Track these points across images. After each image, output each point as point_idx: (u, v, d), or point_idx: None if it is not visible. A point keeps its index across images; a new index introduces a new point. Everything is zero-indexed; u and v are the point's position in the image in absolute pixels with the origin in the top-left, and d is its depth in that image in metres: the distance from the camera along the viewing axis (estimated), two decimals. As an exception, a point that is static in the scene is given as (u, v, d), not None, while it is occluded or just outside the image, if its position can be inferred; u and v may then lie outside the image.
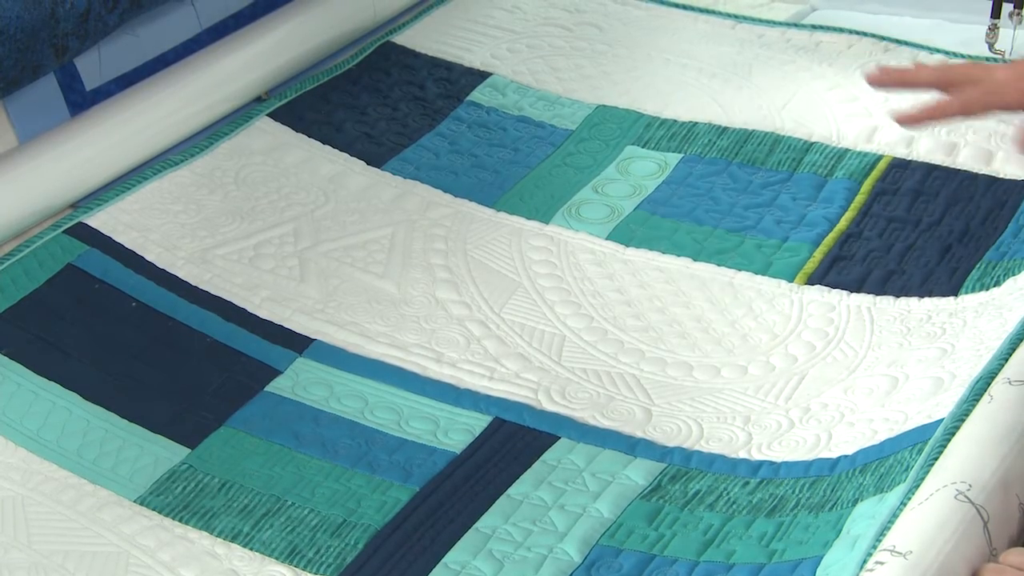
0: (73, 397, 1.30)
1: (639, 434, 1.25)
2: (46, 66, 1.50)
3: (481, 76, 1.75)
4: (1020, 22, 1.72)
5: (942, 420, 1.12)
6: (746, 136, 1.61)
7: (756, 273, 1.41)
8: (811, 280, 1.40)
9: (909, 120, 1.20)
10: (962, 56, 1.70)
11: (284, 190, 1.57)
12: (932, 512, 1.01)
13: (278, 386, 1.32)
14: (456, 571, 1.13)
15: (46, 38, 1.47)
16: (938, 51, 1.71)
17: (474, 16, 1.87)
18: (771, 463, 1.20)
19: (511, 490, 1.20)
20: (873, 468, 1.14)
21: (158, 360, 1.35)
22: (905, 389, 1.23)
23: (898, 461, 1.13)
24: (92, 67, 1.62)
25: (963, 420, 1.10)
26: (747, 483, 1.19)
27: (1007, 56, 1.71)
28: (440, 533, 1.16)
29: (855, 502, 1.11)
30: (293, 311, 1.40)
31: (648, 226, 1.49)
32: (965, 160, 1.53)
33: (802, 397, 1.27)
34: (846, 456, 1.18)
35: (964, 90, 1.19)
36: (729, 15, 1.85)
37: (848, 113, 1.63)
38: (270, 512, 1.19)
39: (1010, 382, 1.13)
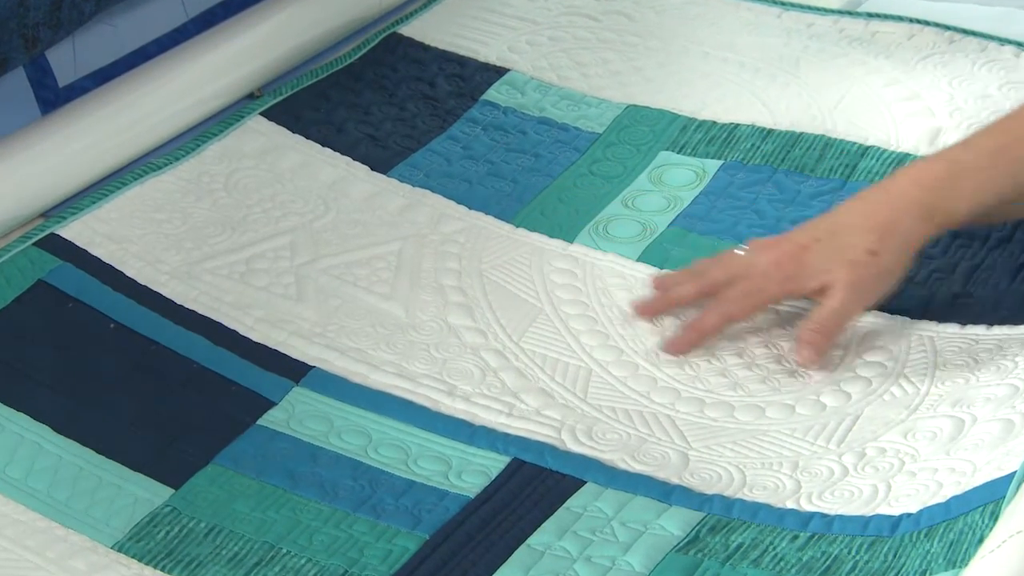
0: (43, 430, 1.29)
1: (675, 480, 1.23)
2: (15, 59, 1.49)
3: (497, 72, 1.74)
4: (1099, 11, 1.70)
5: (1014, 474, 1.10)
6: (794, 139, 1.59)
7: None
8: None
9: (677, 350, 1.33)
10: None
11: (279, 198, 1.56)
12: (1004, 562, 0.99)
13: (272, 419, 1.31)
14: (470, 630, 1.12)
15: (14, 28, 1.46)
16: (1008, 42, 1.69)
17: (490, 5, 1.85)
18: (823, 515, 1.18)
19: (532, 539, 1.18)
20: (941, 532, 1.12)
21: (138, 389, 1.34)
22: (972, 433, 1.21)
23: (968, 527, 1.10)
24: (65, 61, 1.61)
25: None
26: (796, 537, 1.16)
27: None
28: (452, 587, 1.15)
29: (924, 574, 1.09)
30: (289, 334, 1.39)
31: (684, 245, 1.47)
32: (1039, 164, 1.52)
33: (856, 441, 1.25)
34: (909, 515, 1.16)
35: (724, 295, 1.31)
36: (775, 2, 1.83)
37: (908, 112, 1.61)
38: (263, 561, 1.18)
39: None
